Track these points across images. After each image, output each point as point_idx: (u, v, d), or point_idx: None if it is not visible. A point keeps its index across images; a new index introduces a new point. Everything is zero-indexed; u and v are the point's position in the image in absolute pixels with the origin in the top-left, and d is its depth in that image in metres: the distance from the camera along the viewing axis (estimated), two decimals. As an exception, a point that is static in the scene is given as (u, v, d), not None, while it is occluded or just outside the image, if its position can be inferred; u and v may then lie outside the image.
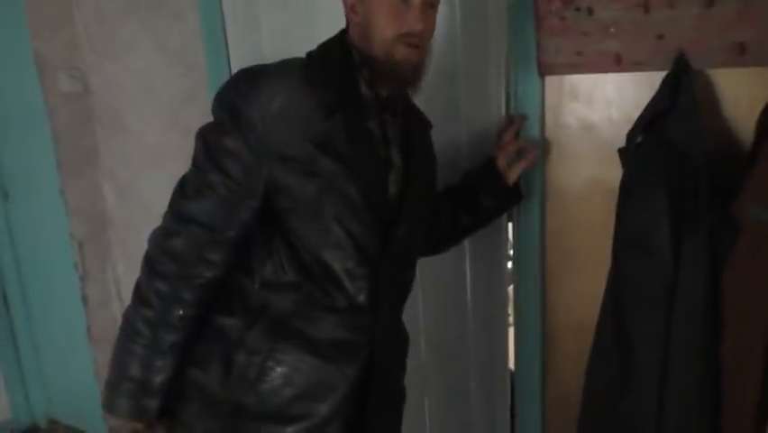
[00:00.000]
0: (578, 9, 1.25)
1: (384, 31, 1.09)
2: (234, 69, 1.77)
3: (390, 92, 1.16)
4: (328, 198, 1.08)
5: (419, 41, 1.11)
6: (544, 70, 1.33)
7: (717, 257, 1.10)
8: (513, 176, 1.34)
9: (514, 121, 1.37)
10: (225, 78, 1.76)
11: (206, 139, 1.10)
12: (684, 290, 1.10)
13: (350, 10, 1.15)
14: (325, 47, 1.17)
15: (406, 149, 1.20)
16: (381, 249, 1.14)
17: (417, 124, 1.26)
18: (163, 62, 1.96)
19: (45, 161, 2.17)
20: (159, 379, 1.10)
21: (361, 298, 1.13)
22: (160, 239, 1.11)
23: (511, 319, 1.57)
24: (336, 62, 1.13)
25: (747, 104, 1.10)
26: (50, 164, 2.15)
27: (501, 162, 1.34)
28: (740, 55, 1.09)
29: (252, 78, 1.09)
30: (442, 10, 1.40)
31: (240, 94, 1.07)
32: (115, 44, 2.05)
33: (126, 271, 2.27)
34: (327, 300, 1.12)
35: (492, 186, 1.35)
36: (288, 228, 1.10)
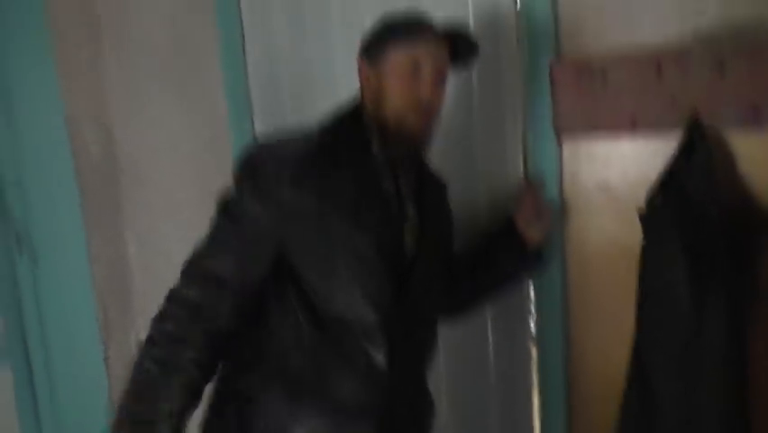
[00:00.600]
0: (592, 74, 1.28)
1: (396, 100, 1.14)
2: (256, 122, 1.84)
3: (403, 152, 1.19)
4: (341, 255, 1.10)
5: (429, 111, 1.16)
6: (561, 133, 1.35)
7: (739, 315, 1.08)
8: (533, 238, 1.34)
9: (532, 183, 1.38)
10: (247, 130, 1.85)
11: (227, 202, 1.14)
12: (708, 349, 1.09)
13: (364, 79, 1.21)
14: (338, 112, 1.22)
15: (421, 205, 1.22)
16: (396, 303, 1.14)
17: (432, 184, 1.30)
18: (185, 114, 2.02)
19: (72, 221, 2.21)
20: (163, 412, 1.08)
21: (379, 357, 1.12)
22: (173, 293, 1.13)
23: (535, 382, 1.54)
24: (348, 126, 1.18)
25: (763, 163, 1.11)
26: (77, 224, 2.20)
27: (521, 223, 1.34)
28: (754, 116, 1.11)
29: (268, 147, 1.16)
30: (459, 75, 1.46)
31: (261, 164, 1.12)
32: (139, 98, 2.12)
33: (147, 325, 2.28)
34: (346, 360, 1.11)
35: (512, 246, 1.35)
36: (303, 286, 1.11)
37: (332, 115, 1.22)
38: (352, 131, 1.18)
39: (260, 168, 1.11)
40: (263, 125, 1.82)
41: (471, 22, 1.45)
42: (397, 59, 1.15)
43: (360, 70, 1.21)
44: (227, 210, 1.13)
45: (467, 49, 1.22)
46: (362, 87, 1.22)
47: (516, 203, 1.38)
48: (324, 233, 1.10)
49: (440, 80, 1.17)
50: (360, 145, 1.17)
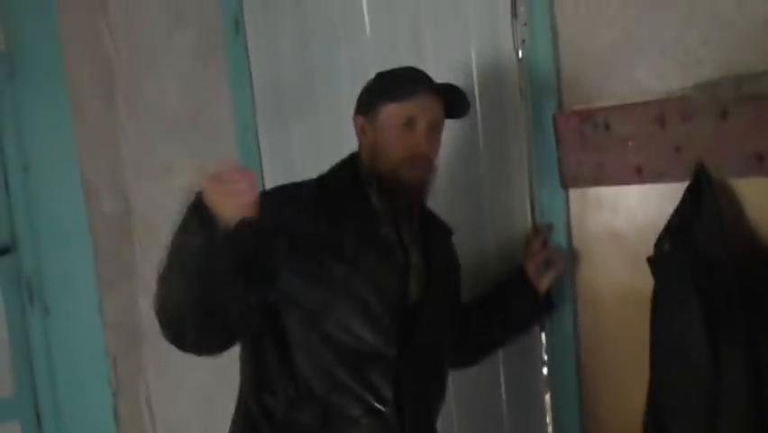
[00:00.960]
0: (596, 125, 1.30)
1: (391, 153, 1.16)
2: (269, 185, 1.87)
3: (402, 202, 1.20)
4: (341, 302, 1.11)
5: (424, 163, 1.18)
6: (567, 183, 1.37)
7: (757, 363, 1.07)
8: (543, 285, 1.34)
9: (540, 231, 1.39)
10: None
11: None
12: (727, 398, 1.07)
13: (359, 131, 1.23)
14: (335, 166, 1.25)
15: (427, 252, 1.23)
16: (401, 354, 1.14)
17: (437, 231, 1.31)
18: (201, 180, 2.06)
19: (85, 277, 2.24)
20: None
21: (386, 407, 1.12)
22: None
23: (550, 429, 1.52)
24: (346, 177, 1.22)
25: (769, 211, 1.11)
26: (90, 280, 2.22)
27: (531, 271, 1.35)
28: (758, 164, 1.12)
29: (267, 194, 1.19)
30: (464, 125, 1.49)
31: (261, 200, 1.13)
32: (156, 165, 2.17)
33: (158, 384, 2.28)
34: (352, 413, 1.12)
35: (523, 294, 1.35)
36: (296, 341, 1.12)
37: (330, 168, 1.26)
38: (350, 182, 1.21)
39: (265, 204, 1.08)
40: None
41: (475, 73, 1.48)
42: (391, 114, 1.17)
43: (356, 125, 1.24)
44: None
45: (460, 104, 1.24)
46: (359, 141, 1.24)
47: (526, 251, 1.39)
48: (316, 280, 1.11)
49: (434, 132, 1.20)
50: (359, 196, 1.19)
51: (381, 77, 1.24)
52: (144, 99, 2.17)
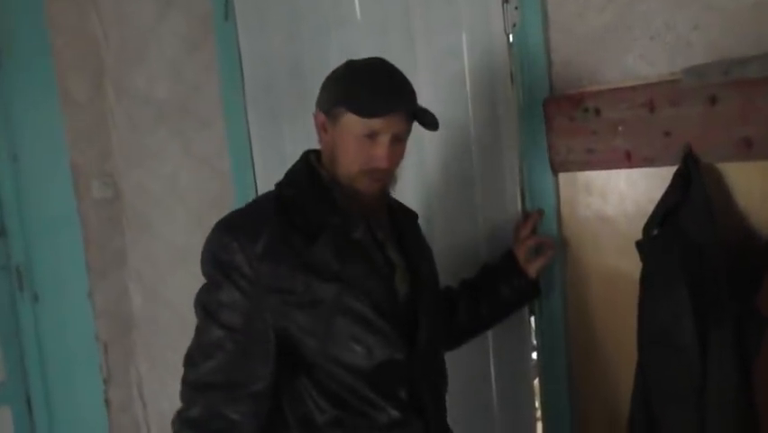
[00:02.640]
0: (586, 110, 1.30)
1: (350, 164, 1.10)
2: (259, 174, 1.86)
3: (368, 202, 1.15)
4: (338, 322, 1.07)
5: (383, 175, 1.12)
6: (557, 168, 1.37)
7: (744, 347, 1.08)
8: (532, 270, 1.35)
9: (530, 216, 1.40)
10: (250, 181, 1.87)
11: (202, 301, 1.09)
12: (714, 383, 1.08)
13: (320, 128, 1.16)
14: (294, 173, 1.18)
15: (402, 246, 1.20)
16: (409, 354, 1.12)
17: (404, 220, 1.27)
18: (191, 168, 2.06)
19: (75, 264, 2.23)
20: None
21: (403, 410, 1.10)
22: (179, 416, 1.08)
23: (539, 414, 1.53)
24: (308, 186, 1.14)
25: (758, 196, 1.12)
26: (80, 267, 2.21)
27: (521, 256, 1.36)
28: (747, 149, 1.12)
29: (229, 227, 1.10)
30: (456, 111, 1.48)
31: (221, 246, 1.07)
32: (146, 151, 2.16)
33: (150, 371, 2.27)
34: (372, 424, 1.10)
35: (512, 278, 1.36)
36: (308, 365, 1.08)
37: (286, 180, 1.18)
38: (313, 188, 1.14)
39: (222, 252, 1.06)
40: (265, 178, 1.85)
41: (465, 58, 1.48)
42: (353, 124, 1.09)
43: (316, 120, 1.17)
44: (205, 309, 1.08)
45: (429, 121, 1.14)
46: (319, 136, 1.18)
47: (516, 236, 1.40)
48: (313, 305, 1.06)
49: (397, 142, 1.12)
50: (324, 200, 1.13)
51: (352, 75, 1.12)
52: (133, 86, 2.16)
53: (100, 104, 2.22)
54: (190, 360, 1.09)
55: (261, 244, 1.06)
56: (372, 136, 1.09)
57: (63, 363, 2.42)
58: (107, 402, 2.24)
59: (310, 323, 1.07)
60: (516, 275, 1.36)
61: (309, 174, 1.17)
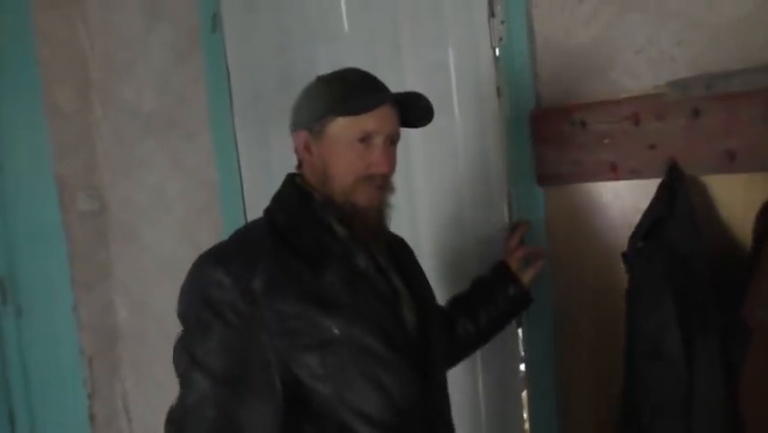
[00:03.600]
0: (572, 123, 1.32)
1: (345, 175, 1.02)
2: (246, 185, 1.86)
3: (370, 227, 1.06)
4: (353, 362, 0.97)
5: (382, 182, 1.04)
6: (543, 180, 1.38)
7: (730, 358, 1.09)
8: (525, 280, 1.34)
9: (517, 227, 1.40)
10: (237, 193, 1.86)
11: (187, 349, 0.97)
12: (701, 394, 1.09)
13: (303, 149, 1.07)
14: (283, 197, 1.09)
15: (403, 273, 1.13)
16: (423, 387, 1.04)
17: (400, 247, 1.22)
18: (178, 179, 2.05)
19: (59, 277, 2.20)
20: None
21: None
22: None
23: (527, 426, 1.53)
24: (302, 210, 1.05)
25: (741, 208, 1.13)
26: (65, 280, 2.19)
27: (513, 265, 1.34)
28: (730, 162, 1.14)
29: (218, 259, 0.98)
30: (443, 124, 1.49)
31: (209, 281, 0.96)
32: (132, 163, 2.15)
33: (135, 385, 2.25)
34: None
35: (507, 288, 1.33)
36: (317, 416, 0.98)
37: (275, 206, 1.08)
38: (307, 219, 1.04)
39: (212, 288, 0.95)
40: (253, 190, 1.85)
41: (453, 72, 1.49)
42: (343, 129, 1.02)
43: (297, 141, 1.07)
44: (193, 358, 0.95)
45: (422, 113, 1.09)
46: (301, 160, 1.08)
47: (505, 248, 1.40)
48: (326, 345, 0.96)
49: (392, 145, 1.06)
50: (322, 233, 1.03)
51: (328, 84, 1.06)
52: (120, 97, 2.15)
53: (86, 115, 2.21)
54: (176, 427, 0.96)
55: (260, 275, 0.95)
56: (366, 140, 1.02)
57: (47, 378, 2.39)
58: (92, 417, 2.21)
59: (322, 366, 0.96)
60: (511, 284, 1.33)
61: (301, 197, 1.06)
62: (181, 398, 0.96)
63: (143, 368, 2.21)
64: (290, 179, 1.11)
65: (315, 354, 0.96)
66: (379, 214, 1.07)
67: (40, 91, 2.14)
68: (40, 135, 2.16)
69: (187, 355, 0.96)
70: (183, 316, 0.99)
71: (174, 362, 0.98)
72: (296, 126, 1.08)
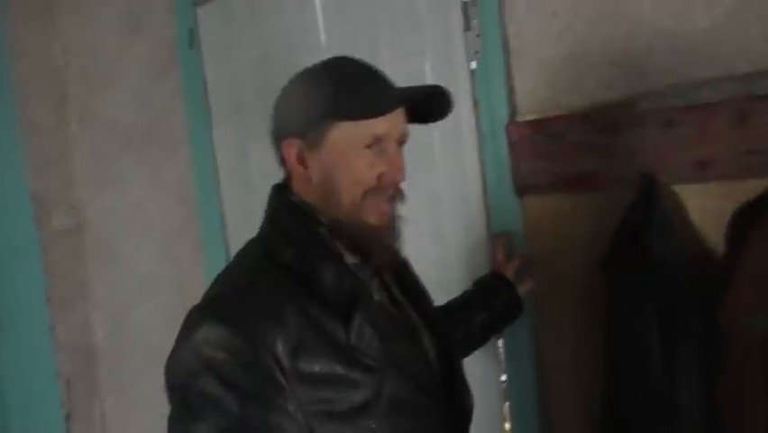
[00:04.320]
0: (548, 135, 1.33)
1: (352, 188, 0.87)
2: (225, 200, 1.84)
3: (382, 251, 0.92)
4: (390, 423, 0.84)
5: (394, 192, 0.90)
6: (522, 192, 1.39)
7: (710, 364, 1.10)
8: (521, 291, 1.30)
9: (498, 240, 1.39)
10: (217, 208, 1.85)
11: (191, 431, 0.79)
12: (681, 399, 1.10)
13: (295, 161, 0.89)
14: (280, 223, 0.90)
15: (408, 294, 1.01)
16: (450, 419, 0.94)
17: (403, 268, 1.07)
18: (157, 194, 2.03)
19: (35, 297, 2.17)
20: None
21: None
22: None
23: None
24: (310, 242, 0.87)
25: (714, 215, 1.15)
26: (40, 300, 2.15)
27: (510, 274, 1.30)
28: (701, 171, 1.16)
29: (227, 317, 0.80)
30: (420, 135, 1.49)
31: (219, 346, 0.77)
32: (111, 179, 2.13)
33: (114, 406, 2.21)
34: None
35: (503, 291, 1.29)
36: None
37: (274, 235, 0.90)
38: (317, 247, 0.87)
39: (223, 356, 0.77)
40: (232, 205, 1.83)
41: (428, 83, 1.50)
42: (348, 136, 0.86)
43: (287, 152, 0.90)
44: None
45: (441, 108, 0.95)
46: (292, 174, 0.91)
47: (496, 260, 1.37)
48: (361, 402, 0.82)
49: (399, 146, 0.92)
50: (337, 265, 0.87)
51: (322, 79, 0.90)
52: (97, 113, 2.13)
53: (63, 132, 2.18)
54: None
55: (284, 335, 0.78)
56: (374, 145, 0.86)
57: (23, 399, 2.34)
58: (69, 438, 2.17)
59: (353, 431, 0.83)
60: (508, 292, 1.28)
61: (303, 221, 0.89)
62: None
63: (123, 388, 2.17)
64: (282, 196, 0.92)
65: (347, 422, 0.83)
66: (393, 231, 0.92)
67: (15, 108, 2.12)
68: (15, 152, 2.14)
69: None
70: (177, 392, 0.81)
71: None
72: (283, 134, 0.91)
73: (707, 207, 1.17)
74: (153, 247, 2.05)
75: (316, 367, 0.80)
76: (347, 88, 0.88)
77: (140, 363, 2.11)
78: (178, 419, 0.81)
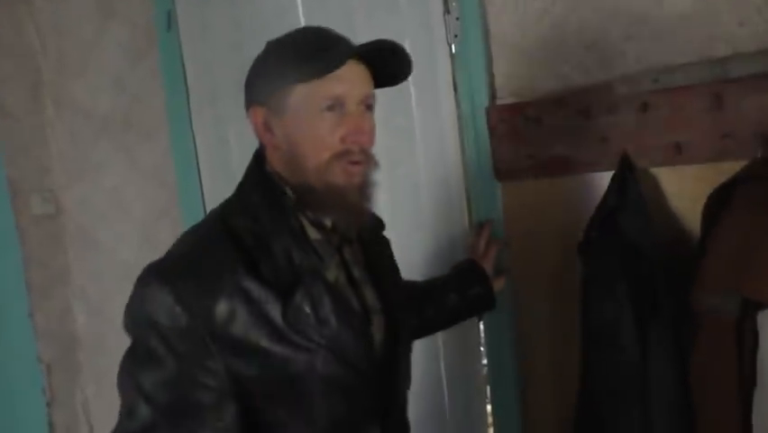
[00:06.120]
0: (527, 118, 1.34)
1: (318, 153, 0.87)
2: (206, 184, 1.83)
3: (350, 221, 0.94)
4: (320, 404, 0.88)
5: (361, 156, 0.89)
6: (501, 176, 1.40)
7: (683, 344, 1.12)
8: (496, 287, 1.33)
9: (483, 228, 1.39)
10: (197, 193, 1.84)
11: (134, 375, 0.86)
12: (655, 381, 1.12)
13: (262, 128, 0.91)
14: (246, 193, 0.92)
15: (371, 270, 1.00)
16: (387, 410, 0.96)
17: (373, 235, 1.06)
18: (136, 180, 2.01)
19: (14, 284, 2.14)
20: None
21: None
22: None
23: (490, 420, 1.55)
24: (269, 216, 0.88)
25: (690, 198, 1.16)
26: (20, 286, 2.13)
27: (488, 267, 1.33)
28: (677, 154, 1.17)
29: (171, 281, 0.83)
30: (400, 121, 1.49)
31: (163, 308, 0.83)
32: (88, 165, 2.10)
33: (96, 392, 2.21)
34: None
35: (479, 286, 1.31)
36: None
37: (238, 190, 0.94)
38: (276, 221, 0.88)
39: (165, 318, 0.82)
40: (212, 189, 1.83)
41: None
42: (306, 97, 0.86)
43: (254, 120, 0.92)
44: (139, 389, 0.85)
45: (399, 66, 0.93)
46: (263, 141, 0.93)
47: (476, 249, 1.38)
48: (292, 379, 0.86)
49: (368, 110, 0.91)
50: (292, 240, 0.88)
51: (280, 48, 0.91)
52: (74, 97, 2.10)
53: (39, 116, 2.15)
54: None
55: (221, 306, 0.83)
56: (336, 107, 0.87)
57: (3, 386, 2.32)
58: (51, 426, 2.16)
59: (286, 414, 0.88)
60: (482, 284, 1.30)
61: (268, 192, 0.90)
62: (122, 425, 0.88)
63: (104, 375, 2.17)
64: (255, 165, 0.95)
65: (276, 402, 0.88)
66: (360, 194, 0.91)
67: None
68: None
69: (133, 382, 0.86)
70: (131, 335, 0.88)
71: (118, 382, 0.89)
72: (251, 103, 0.92)
73: (683, 189, 1.19)
74: (133, 233, 2.04)
75: (244, 339, 0.84)
76: (302, 51, 0.89)
77: (121, 349, 2.08)
78: (129, 363, 0.88)
